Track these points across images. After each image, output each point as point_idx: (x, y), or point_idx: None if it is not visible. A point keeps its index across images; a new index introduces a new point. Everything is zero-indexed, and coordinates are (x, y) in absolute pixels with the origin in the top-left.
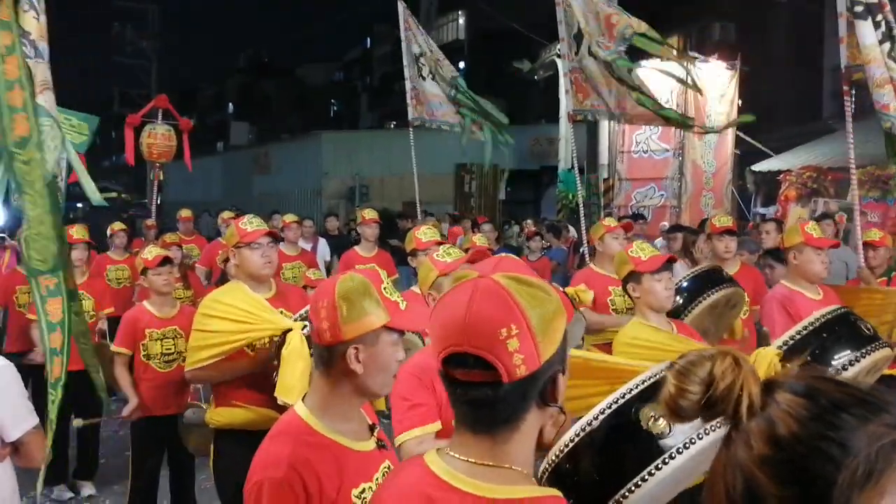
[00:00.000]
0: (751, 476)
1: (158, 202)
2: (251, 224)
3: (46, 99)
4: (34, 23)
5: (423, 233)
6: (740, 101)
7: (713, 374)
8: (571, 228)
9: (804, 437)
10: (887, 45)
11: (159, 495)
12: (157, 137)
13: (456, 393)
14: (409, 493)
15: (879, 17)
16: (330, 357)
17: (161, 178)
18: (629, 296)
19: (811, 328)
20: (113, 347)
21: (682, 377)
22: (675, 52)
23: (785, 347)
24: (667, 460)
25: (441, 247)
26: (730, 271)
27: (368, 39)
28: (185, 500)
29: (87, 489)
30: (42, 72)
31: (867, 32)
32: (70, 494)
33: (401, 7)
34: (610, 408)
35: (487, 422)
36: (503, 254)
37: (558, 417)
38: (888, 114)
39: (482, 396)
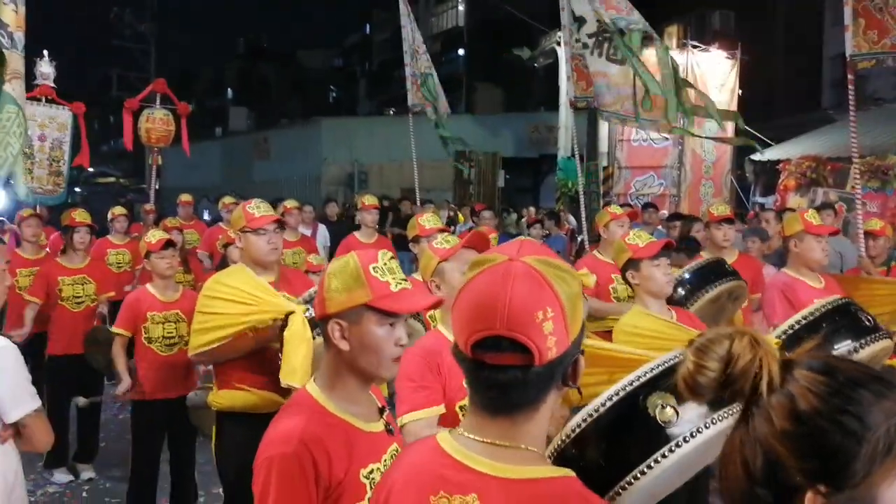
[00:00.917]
0: (771, 450)
1: (157, 187)
2: (259, 209)
3: (14, 88)
4: (12, 15)
5: (427, 219)
6: (740, 91)
7: (732, 352)
8: (571, 217)
9: (825, 411)
10: None
11: (160, 478)
12: (156, 122)
13: (481, 377)
14: (421, 473)
15: None
16: (323, 333)
17: (160, 162)
18: (628, 283)
19: (811, 318)
20: (113, 328)
21: (702, 354)
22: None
23: (784, 336)
24: (673, 448)
25: (440, 234)
26: (728, 260)
27: (368, 25)
28: (186, 482)
29: (87, 472)
30: (15, 61)
31: None
32: (70, 477)
33: None
34: (618, 394)
35: (512, 404)
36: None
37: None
38: None
39: (511, 379)
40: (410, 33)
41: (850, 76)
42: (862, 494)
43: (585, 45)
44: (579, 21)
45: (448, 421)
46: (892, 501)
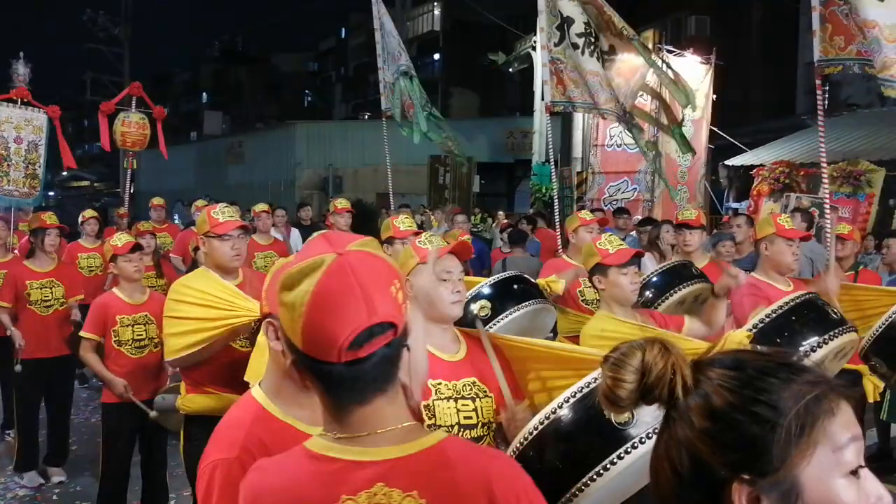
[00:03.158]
0: (695, 450)
1: (132, 191)
2: (223, 214)
3: None
4: None
5: (402, 221)
6: (715, 96)
7: (645, 362)
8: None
9: (738, 404)
10: None
11: (131, 482)
12: (131, 126)
13: (353, 374)
14: (305, 489)
15: None
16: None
17: (134, 166)
18: (595, 287)
19: (780, 311)
20: (81, 333)
21: (617, 368)
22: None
23: (755, 330)
24: (629, 450)
25: (424, 235)
26: (699, 264)
27: (343, 30)
28: (157, 486)
29: (58, 476)
30: None
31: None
32: (40, 481)
33: None
34: (574, 396)
35: (384, 383)
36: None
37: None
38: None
39: (382, 359)
40: (384, 37)
41: (818, 82)
42: (783, 477)
43: (576, 46)
44: (567, 21)
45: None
46: (811, 479)
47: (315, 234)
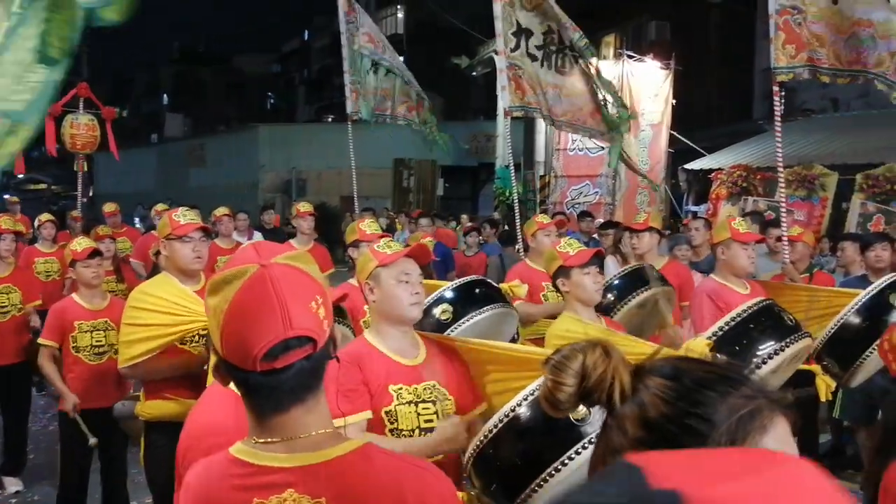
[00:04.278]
0: (624, 455)
1: (91, 194)
2: (184, 217)
3: None
4: None
5: (367, 224)
6: (674, 101)
7: (586, 366)
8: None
9: (673, 416)
10: None
11: (90, 489)
12: (80, 128)
13: (270, 383)
14: (220, 492)
15: None
16: None
17: (85, 169)
18: (559, 291)
19: (739, 319)
20: (39, 340)
21: (557, 371)
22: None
23: (714, 338)
24: (586, 445)
25: (382, 239)
26: (657, 266)
27: (307, 31)
28: (117, 494)
29: (15, 485)
30: None
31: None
32: None
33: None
34: (533, 394)
35: (303, 393)
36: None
37: None
38: None
39: (299, 371)
40: (370, 35)
41: (774, 88)
42: None
43: (534, 58)
44: (525, 32)
45: (374, 425)
46: None
47: (247, 244)
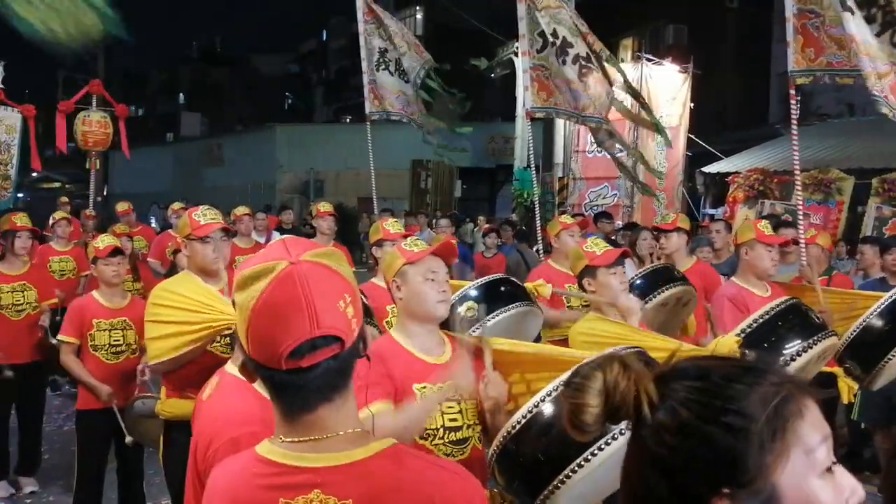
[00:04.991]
0: (668, 467)
1: (105, 193)
2: (205, 216)
3: None
4: None
5: (391, 224)
6: (692, 104)
7: (607, 383)
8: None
9: (707, 416)
10: (888, 35)
11: (106, 489)
12: (93, 125)
13: (297, 382)
14: (244, 490)
15: (875, 10)
16: None
17: (97, 167)
18: (584, 291)
19: (766, 317)
20: (59, 337)
21: (578, 393)
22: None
23: (742, 336)
24: (609, 441)
25: (409, 238)
26: (683, 267)
27: (324, 32)
28: (134, 494)
29: (30, 485)
30: None
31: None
32: (11, 491)
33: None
34: (556, 389)
35: (330, 393)
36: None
37: None
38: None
39: (326, 371)
40: (394, 32)
41: (791, 91)
42: (762, 486)
43: (563, 55)
44: (553, 35)
45: None
46: (788, 484)
47: (278, 238)
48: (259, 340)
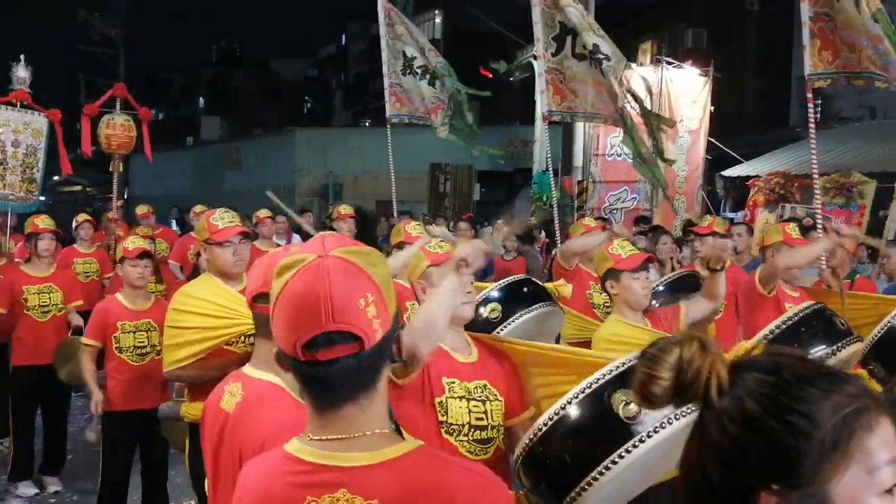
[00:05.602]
0: (725, 453)
1: (126, 196)
2: (223, 220)
3: None
4: None
5: (413, 227)
6: (712, 108)
7: (682, 359)
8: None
9: (773, 411)
10: None
11: (130, 490)
12: (116, 128)
13: (317, 376)
14: (275, 487)
15: None
16: None
17: (120, 169)
18: (607, 293)
19: (791, 322)
20: (83, 339)
21: (653, 364)
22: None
23: (765, 341)
24: (637, 443)
25: (433, 240)
26: None
27: (344, 36)
28: (157, 495)
29: (54, 485)
30: None
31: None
32: (35, 490)
33: (380, 1)
34: (584, 392)
35: (352, 392)
36: None
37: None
38: None
39: (345, 368)
40: (417, 39)
41: (808, 95)
42: (813, 492)
43: (582, 57)
44: (571, 33)
45: (427, 415)
46: (842, 497)
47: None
48: (279, 328)
